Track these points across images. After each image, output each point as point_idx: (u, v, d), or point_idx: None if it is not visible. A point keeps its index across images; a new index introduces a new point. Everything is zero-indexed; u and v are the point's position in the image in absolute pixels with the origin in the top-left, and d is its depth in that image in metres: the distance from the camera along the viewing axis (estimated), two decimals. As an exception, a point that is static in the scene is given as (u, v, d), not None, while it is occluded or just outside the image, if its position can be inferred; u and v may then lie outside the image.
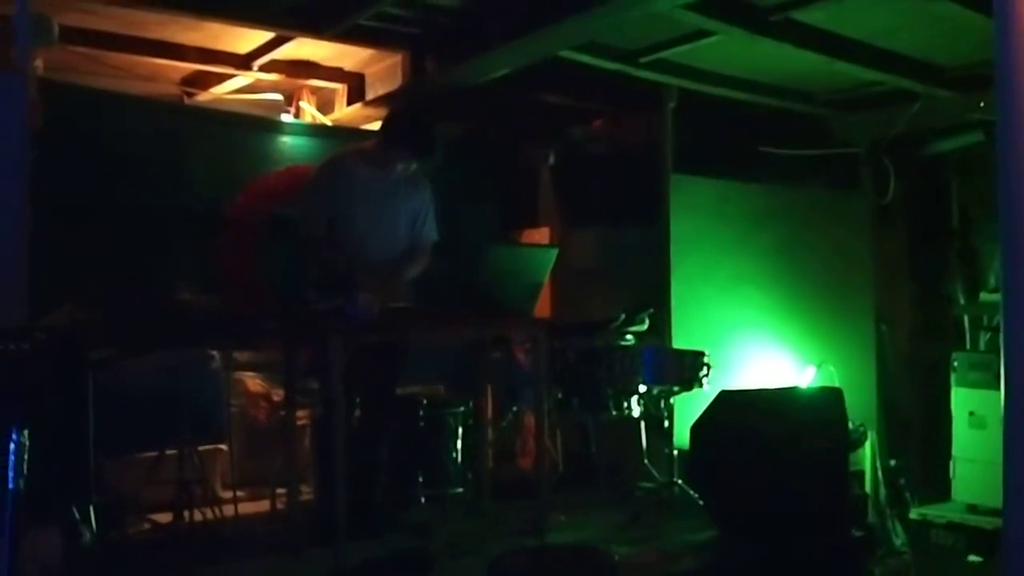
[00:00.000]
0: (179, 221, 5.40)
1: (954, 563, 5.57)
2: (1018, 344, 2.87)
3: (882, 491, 5.77)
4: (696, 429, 4.45)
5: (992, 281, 6.21)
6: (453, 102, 6.14)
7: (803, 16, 4.99)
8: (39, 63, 4.84)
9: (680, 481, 4.88)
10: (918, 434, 6.41)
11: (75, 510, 3.63)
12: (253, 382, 5.74)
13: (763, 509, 4.09)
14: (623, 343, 5.32)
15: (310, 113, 6.61)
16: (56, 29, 4.86)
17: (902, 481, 5.93)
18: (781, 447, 4.19)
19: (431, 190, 4.55)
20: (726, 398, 4.51)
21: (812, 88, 6.37)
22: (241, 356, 5.56)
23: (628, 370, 4.94)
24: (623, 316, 5.39)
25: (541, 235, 6.91)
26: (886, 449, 6.19)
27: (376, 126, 6.16)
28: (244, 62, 6.04)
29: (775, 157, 6.56)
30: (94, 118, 5.16)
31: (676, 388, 4.93)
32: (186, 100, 6.39)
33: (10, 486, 2.97)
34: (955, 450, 5.78)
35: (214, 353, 5.24)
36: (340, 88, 6.57)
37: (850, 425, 4.71)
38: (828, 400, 4.47)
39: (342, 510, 3.79)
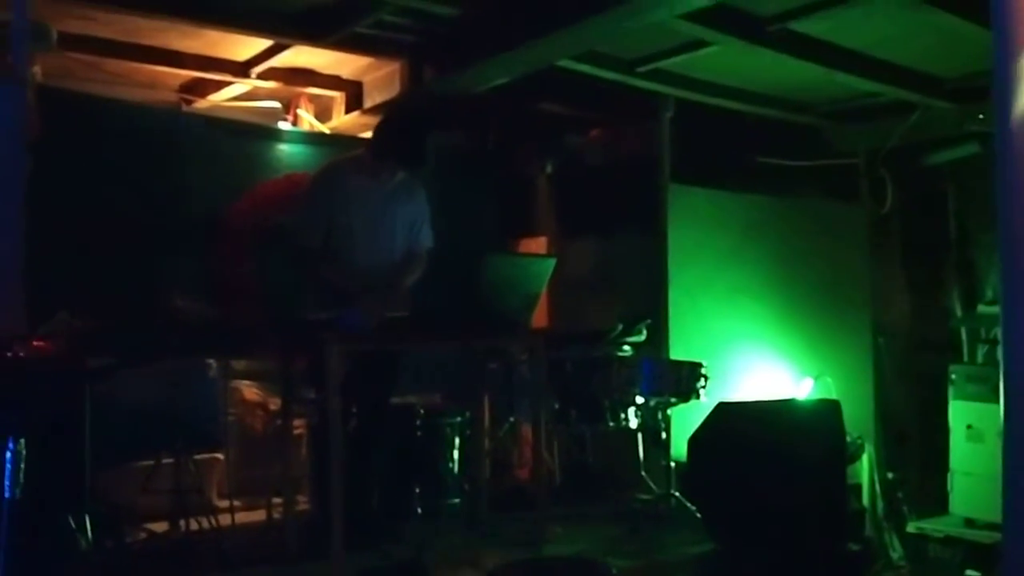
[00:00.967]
0: (176, 229, 5.40)
1: (951, 577, 5.56)
2: (1016, 357, 2.86)
3: (879, 504, 5.75)
4: (693, 441, 4.44)
5: (990, 293, 6.20)
6: (451, 110, 6.14)
7: (801, 27, 5.00)
8: (37, 69, 4.84)
9: (677, 493, 4.87)
10: (916, 447, 6.40)
11: (71, 519, 3.61)
12: (250, 391, 5.72)
13: (760, 522, 4.08)
14: (620, 354, 5.31)
15: (308, 121, 6.61)
16: (54, 35, 4.87)
17: (900, 494, 5.91)
18: (778, 459, 4.18)
19: (426, 196, 4.54)
20: (723, 410, 4.51)
21: (810, 99, 6.38)
22: (238, 365, 5.53)
23: (625, 381, 4.94)
24: (620, 327, 5.39)
25: (538, 245, 6.91)
26: (883, 462, 6.18)
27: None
28: (242, 69, 6.05)
29: (773, 168, 6.57)
30: (92, 125, 5.15)
31: (673, 399, 4.92)
32: (184, 107, 6.39)
33: (6, 495, 2.95)
34: (953, 463, 5.76)
35: (211, 362, 5.23)
36: (338, 96, 6.57)
37: (847, 437, 4.70)
38: (825, 412, 4.47)
39: (338, 520, 3.77)
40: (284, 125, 6.47)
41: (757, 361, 5.79)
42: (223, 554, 4.17)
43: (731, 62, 5.45)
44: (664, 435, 4.96)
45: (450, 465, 4.91)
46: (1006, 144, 2.87)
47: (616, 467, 5.44)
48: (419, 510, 4.77)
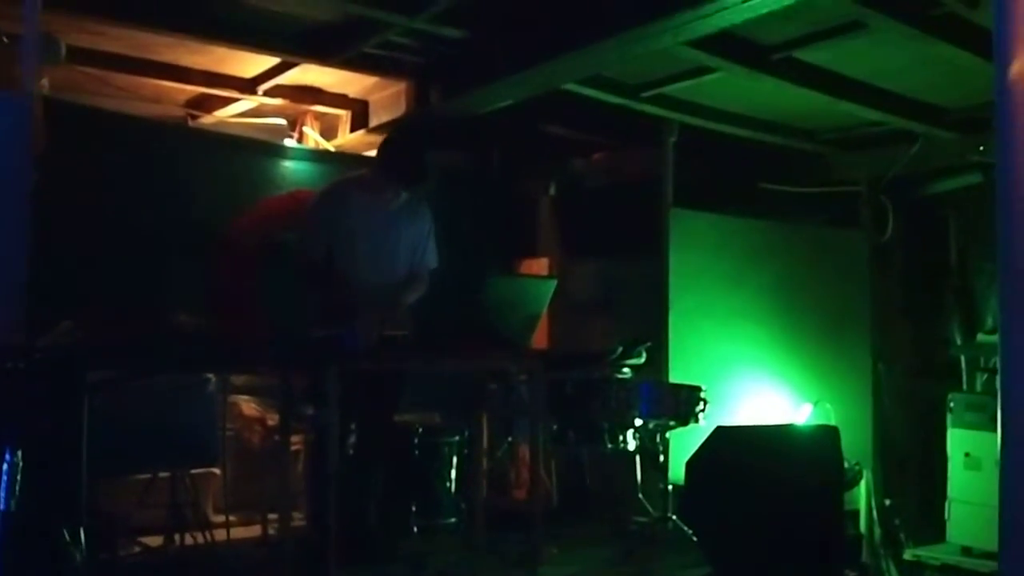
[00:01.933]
0: (179, 243, 5.40)
1: (947, 606, 5.54)
2: (1014, 386, 2.86)
3: (877, 531, 5.74)
4: (691, 464, 4.43)
5: (990, 322, 6.21)
6: (455, 131, 6.17)
7: (805, 55, 5.03)
8: (45, 82, 4.87)
9: (674, 516, 4.86)
10: (914, 474, 6.39)
11: (65, 531, 3.60)
12: (248, 406, 5.72)
13: (757, 546, 4.06)
14: (620, 376, 5.30)
15: (313, 138, 6.64)
16: (63, 49, 4.89)
17: (897, 521, 5.90)
18: (776, 484, 4.17)
19: (431, 217, 4.56)
20: (722, 434, 4.50)
21: (813, 126, 6.41)
22: (237, 380, 5.54)
23: (624, 403, 4.92)
24: (620, 349, 5.38)
25: (540, 266, 6.92)
26: (881, 489, 6.17)
27: (378, 153, 6.23)
28: (249, 86, 6.08)
29: (775, 193, 6.59)
30: (98, 138, 5.18)
31: (672, 422, 4.91)
32: (190, 122, 6.42)
33: (1, 507, 2.94)
34: (951, 491, 5.75)
35: (210, 376, 5.22)
36: (344, 114, 6.60)
37: (846, 464, 4.70)
38: (824, 438, 4.46)
39: (333, 537, 3.76)
40: (289, 142, 6.50)
41: (756, 386, 5.79)
42: (217, 569, 4.16)
43: (735, 89, 5.48)
44: (662, 458, 4.95)
45: (447, 484, 4.91)
46: (1006, 175, 2.88)
47: (613, 489, 5.43)
48: (415, 528, 4.77)
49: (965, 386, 6.32)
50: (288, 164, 6.11)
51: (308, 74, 5.96)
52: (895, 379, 6.49)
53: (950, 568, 5.61)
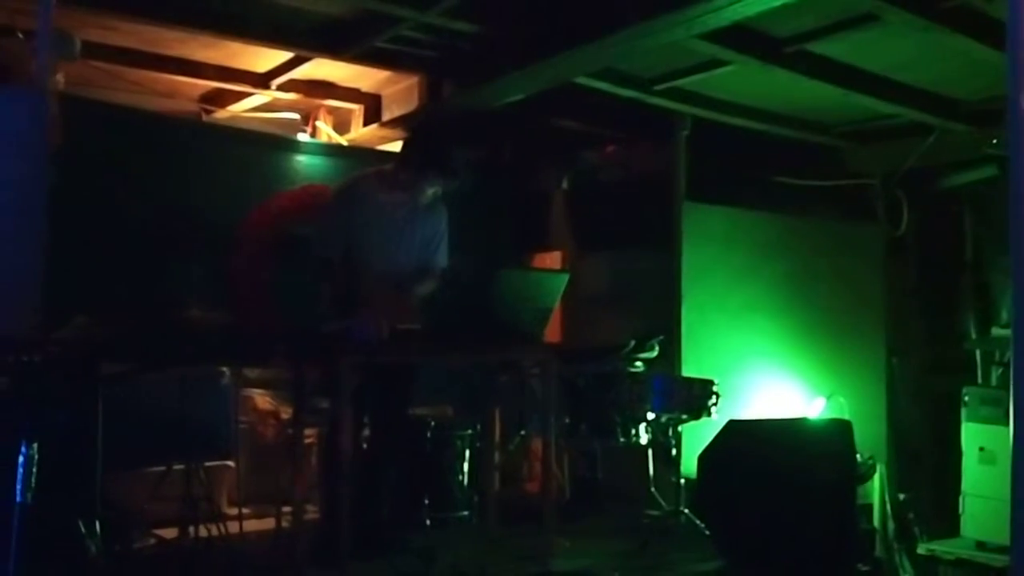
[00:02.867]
0: (193, 237, 5.43)
1: (962, 600, 5.53)
2: (1028, 380, 2.85)
3: (890, 525, 5.73)
4: (704, 458, 4.43)
5: (1004, 315, 6.17)
6: (468, 125, 6.17)
7: (819, 48, 5.02)
8: (60, 78, 4.89)
9: (687, 510, 4.86)
10: (928, 468, 6.37)
11: (81, 523, 3.63)
12: (262, 399, 5.74)
13: (769, 540, 4.06)
14: (632, 370, 5.31)
15: (326, 133, 6.66)
16: (78, 45, 4.92)
17: (911, 515, 5.88)
18: (789, 478, 4.17)
19: (446, 216, 4.57)
20: (734, 428, 4.50)
21: (826, 119, 6.38)
22: (251, 373, 5.56)
23: (637, 397, 4.93)
24: (633, 343, 5.39)
25: (553, 260, 6.92)
26: (895, 483, 6.15)
27: (392, 147, 6.24)
28: (262, 81, 6.09)
29: (788, 187, 6.57)
30: (113, 133, 5.21)
31: (684, 416, 4.91)
32: (204, 117, 6.45)
33: (18, 499, 2.97)
34: (965, 486, 5.72)
35: (224, 370, 5.25)
36: (357, 109, 6.61)
37: (859, 458, 4.69)
38: (837, 432, 4.45)
39: (347, 530, 3.78)
40: (303, 137, 6.52)
41: (769, 379, 5.79)
42: (231, 562, 4.18)
43: (748, 81, 5.46)
44: (674, 452, 4.95)
45: (460, 477, 4.92)
46: (1020, 168, 2.87)
47: (626, 483, 5.43)
48: (428, 521, 4.78)
49: (980, 380, 6.29)
50: (301, 158, 6.13)
51: (321, 68, 5.97)
52: (909, 373, 6.47)
53: (964, 562, 5.59)
